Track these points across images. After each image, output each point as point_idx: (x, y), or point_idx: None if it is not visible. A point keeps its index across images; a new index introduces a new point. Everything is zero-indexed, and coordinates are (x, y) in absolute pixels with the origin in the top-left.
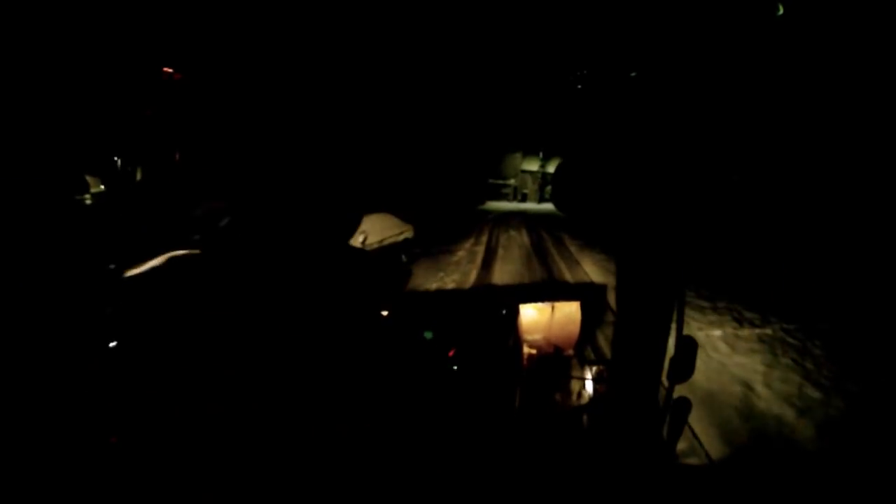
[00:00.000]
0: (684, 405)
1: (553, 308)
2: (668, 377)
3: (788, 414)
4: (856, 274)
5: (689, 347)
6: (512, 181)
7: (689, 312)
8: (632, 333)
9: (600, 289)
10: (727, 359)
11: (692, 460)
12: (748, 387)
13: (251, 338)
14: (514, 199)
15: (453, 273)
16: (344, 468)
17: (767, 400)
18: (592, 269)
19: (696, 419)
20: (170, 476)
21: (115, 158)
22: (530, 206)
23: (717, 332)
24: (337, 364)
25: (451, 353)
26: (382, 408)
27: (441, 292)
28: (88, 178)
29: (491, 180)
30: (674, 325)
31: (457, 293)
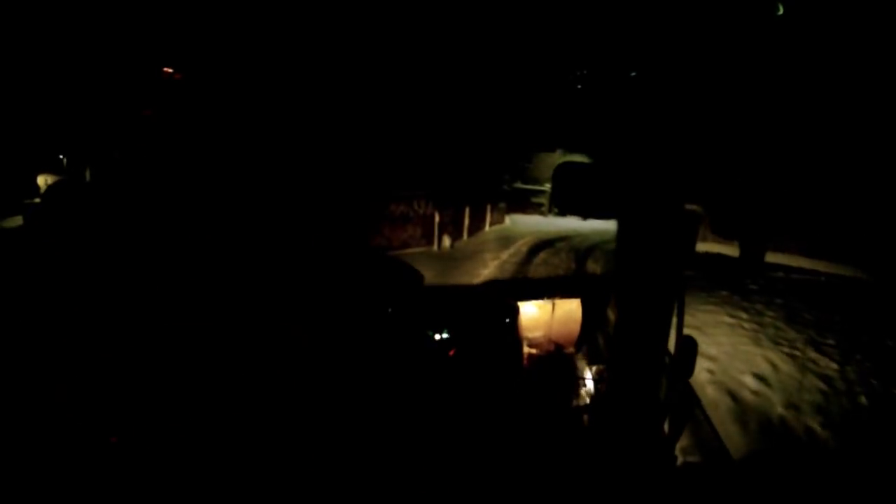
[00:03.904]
0: (684, 405)
1: (553, 305)
2: (668, 377)
3: (803, 416)
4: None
5: (689, 347)
6: (547, 187)
7: (711, 311)
8: (632, 333)
9: (601, 285)
10: (745, 357)
11: (692, 458)
12: (762, 384)
13: (252, 334)
14: (551, 211)
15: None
16: (344, 467)
17: (775, 400)
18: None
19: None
20: (170, 476)
21: (61, 157)
22: (574, 224)
23: (739, 332)
24: (338, 360)
25: (451, 353)
26: (383, 406)
27: (442, 288)
28: (46, 177)
29: (519, 185)
30: (674, 325)
31: (457, 289)
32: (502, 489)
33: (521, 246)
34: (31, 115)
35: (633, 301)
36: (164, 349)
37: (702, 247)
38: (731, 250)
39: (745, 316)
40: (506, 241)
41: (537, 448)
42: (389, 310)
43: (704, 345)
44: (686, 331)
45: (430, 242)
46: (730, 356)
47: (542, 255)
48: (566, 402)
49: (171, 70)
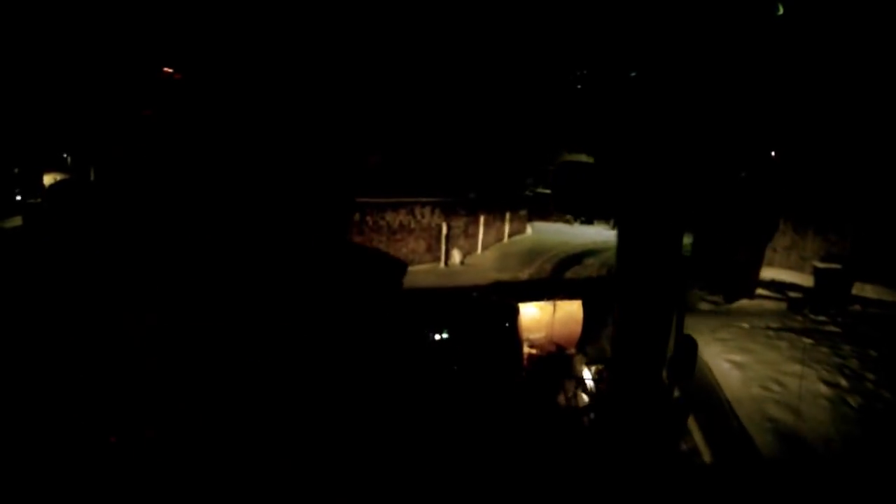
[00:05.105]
0: (684, 405)
1: (555, 307)
2: (668, 377)
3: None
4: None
5: (689, 347)
6: None
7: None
8: (632, 333)
9: (603, 287)
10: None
11: (693, 460)
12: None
13: (249, 336)
14: (576, 219)
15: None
16: (343, 466)
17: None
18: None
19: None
20: (169, 476)
21: (65, 155)
22: (603, 235)
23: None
24: (337, 361)
25: (449, 354)
26: (382, 407)
27: (442, 289)
28: (55, 175)
29: (542, 190)
30: (674, 325)
31: (459, 290)
32: (503, 488)
33: (545, 262)
34: (34, 114)
35: (633, 302)
36: (161, 349)
37: (768, 273)
38: (803, 278)
39: (844, 384)
40: (527, 255)
41: (538, 448)
42: (375, 305)
43: (810, 438)
44: (775, 408)
45: (437, 258)
46: (843, 453)
47: (568, 275)
48: (567, 403)
49: (170, 70)
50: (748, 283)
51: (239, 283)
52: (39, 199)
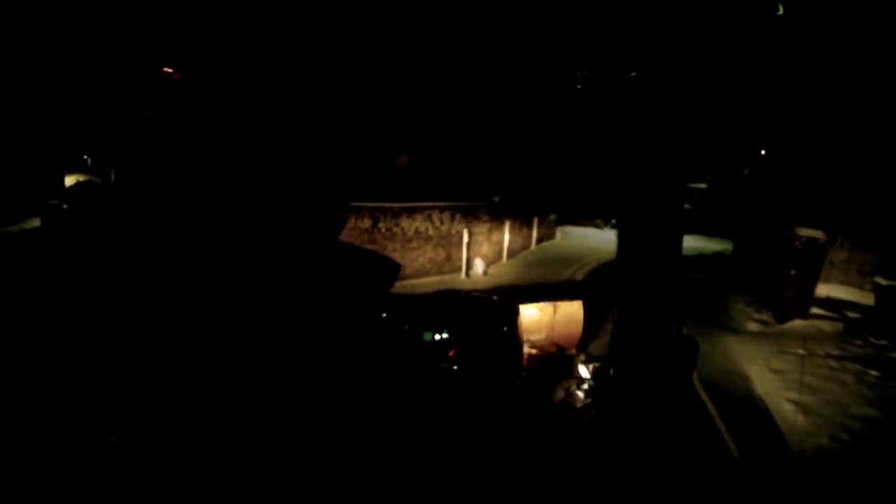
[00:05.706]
0: (684, 404)
1: (555, 308)
2: (668, 376)
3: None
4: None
5: (689, 347)
6: None
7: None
8: (632, 333)
9: (603, 288)
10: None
11: (695, 460)
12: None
13: (246, 337)
14: (608, 223)
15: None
16: (341, 466)
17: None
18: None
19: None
20: (169, 476)
21: (85, 157)
22: None
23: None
24: (335, 363)
25: (450, 353)
26: (381, 408)
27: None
28: (77, 177)
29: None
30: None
31: (456, 293)
32: (503, 487)
33: (576, 272)
34: (54, 116)
35: (633, 302)
36: (162, 350)
37: (823, 289)
38: (862, 296)
39: None
40: (557, 263)
41: (538, 446)
42: (366, 305)
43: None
44: (851, 467)
45: (457, 268)
46: None
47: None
48: (567, 402)
49: (171, 70)
50: (801, 301)
51: (234, 283)
52: (57, 201)
